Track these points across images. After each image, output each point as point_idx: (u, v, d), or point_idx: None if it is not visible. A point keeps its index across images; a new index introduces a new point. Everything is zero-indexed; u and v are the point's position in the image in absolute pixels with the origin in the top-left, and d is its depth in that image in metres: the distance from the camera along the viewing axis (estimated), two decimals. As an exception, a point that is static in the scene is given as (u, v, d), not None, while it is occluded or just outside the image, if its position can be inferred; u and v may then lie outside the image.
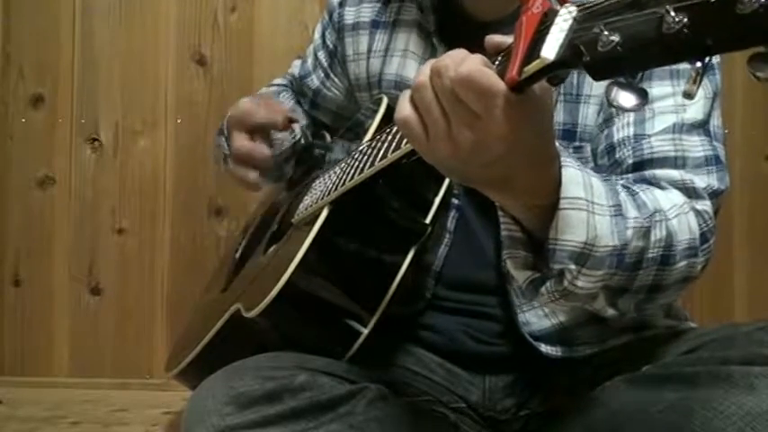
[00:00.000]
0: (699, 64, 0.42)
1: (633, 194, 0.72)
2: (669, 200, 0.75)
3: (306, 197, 0.99)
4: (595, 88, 0.86)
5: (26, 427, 1.32)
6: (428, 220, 0.91)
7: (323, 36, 1.13)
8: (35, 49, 1.64)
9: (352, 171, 0.84)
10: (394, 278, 0.88)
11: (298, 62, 1.23)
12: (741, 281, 1.64)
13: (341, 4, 1.09)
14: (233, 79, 1.64)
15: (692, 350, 0.76)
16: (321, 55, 1.14)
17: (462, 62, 0.55)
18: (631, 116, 0.83)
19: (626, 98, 0.46)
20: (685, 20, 0.40)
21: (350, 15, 1.07)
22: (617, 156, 0.83)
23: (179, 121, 1.64)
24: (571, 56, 0.47)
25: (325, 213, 0.87)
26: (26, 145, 1.64)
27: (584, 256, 0.64)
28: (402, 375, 0.93)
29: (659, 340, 0.83)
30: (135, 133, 1.65)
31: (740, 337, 0.71)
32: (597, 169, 0.85)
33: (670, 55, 0.42)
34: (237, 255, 1.21)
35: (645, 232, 0.69)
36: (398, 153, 0.72)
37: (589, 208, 0.64)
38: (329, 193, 0.88)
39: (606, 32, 0.43)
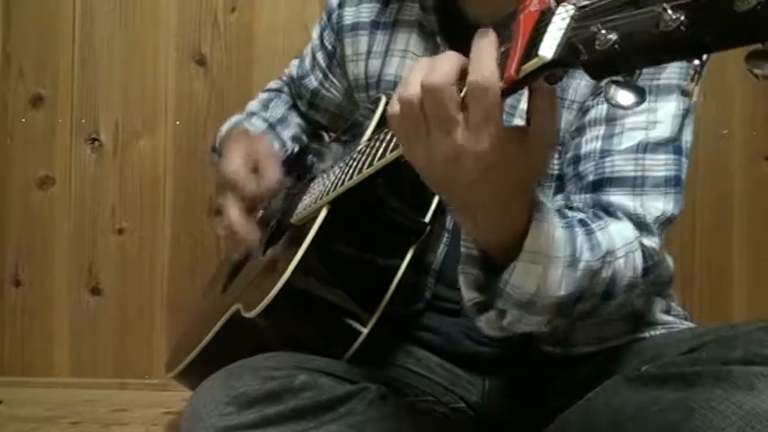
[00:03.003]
0: (697, 62, 0.42)
1: (589, 234, 0.73)
2: (621, 236, 0.75)
3: (304, 197, 0.99)
4: (579, 95, 0.86)
5: (26, 427, 1.32)
6: (427, 220, 0.91)
7: (321, 37, 1.13)
8: (35, 49, 1.64)
9: (351, 171, 0.84)
10: (393, 278, 0.88)
11: (295, 62, 1.23)
12: (741, 281, 1.64)
13: (340, 5, 1.09)
14: (233, 79, 1.64)
15: (692, 350, 0.76)
16: (319, 56, 1.14)
17: (439, 69, 0.55)
18: (601, 129, 0.83)
19: (624, 97, 0.45)
20: (683, 18, 0.40)
21: (349, 16, 1.07)
22: (580, 168, 0.83)
23: (178, 123, 1.64)
24: (569, 55, 0.47)
25: (323, 213, 0.86)
26: (26, 145, 1.64)
27: (529, 305, 0.66)
28: (402, 375, 0.93)
29: (659, 340, 0.83)
30: (135, 133, 1.65)
31: (740, 337, 0.71)
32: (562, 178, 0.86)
33: (668, 53, 0.42)
34: (237, 255, 1.21)
35: (593, 274, 0.70)
36: (396, 153, 0.72)
37: (545, 262, 0.65)
38: (328, 193, 0.88)
39: (604, 31, 0.43)
